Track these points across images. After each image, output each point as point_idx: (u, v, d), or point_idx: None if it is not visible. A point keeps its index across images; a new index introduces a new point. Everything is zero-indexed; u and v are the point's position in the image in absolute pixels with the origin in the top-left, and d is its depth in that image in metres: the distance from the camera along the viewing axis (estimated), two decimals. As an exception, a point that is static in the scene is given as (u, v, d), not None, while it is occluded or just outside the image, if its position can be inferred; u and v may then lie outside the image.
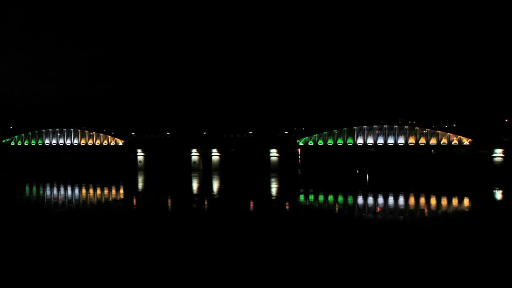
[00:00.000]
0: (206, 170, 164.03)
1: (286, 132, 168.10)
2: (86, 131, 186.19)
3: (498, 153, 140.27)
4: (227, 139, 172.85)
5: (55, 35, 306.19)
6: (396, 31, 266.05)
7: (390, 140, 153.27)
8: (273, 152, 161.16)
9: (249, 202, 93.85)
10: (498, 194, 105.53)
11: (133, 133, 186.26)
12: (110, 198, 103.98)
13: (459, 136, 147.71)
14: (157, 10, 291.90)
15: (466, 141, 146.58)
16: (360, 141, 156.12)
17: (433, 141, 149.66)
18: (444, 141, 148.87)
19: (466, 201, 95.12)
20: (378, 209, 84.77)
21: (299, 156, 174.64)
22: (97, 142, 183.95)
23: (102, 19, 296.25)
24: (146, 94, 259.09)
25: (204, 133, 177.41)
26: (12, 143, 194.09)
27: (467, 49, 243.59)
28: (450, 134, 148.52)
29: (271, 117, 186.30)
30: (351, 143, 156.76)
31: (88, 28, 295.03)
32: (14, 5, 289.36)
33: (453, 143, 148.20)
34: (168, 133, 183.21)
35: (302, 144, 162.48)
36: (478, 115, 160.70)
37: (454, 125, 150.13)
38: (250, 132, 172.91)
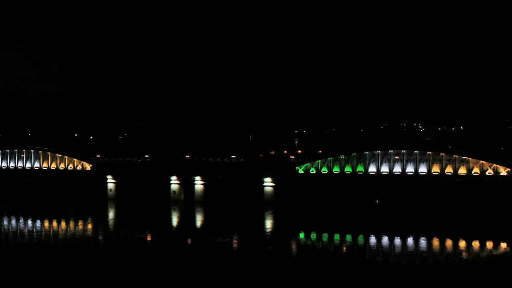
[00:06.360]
0: (187, 203, 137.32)
1: (283, 157, 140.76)
2: (49, 153, 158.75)
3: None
4: (212, 164, 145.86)
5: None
6: (412, 41, 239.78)
7: (410, 169, 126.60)
8: (267, 181, 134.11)
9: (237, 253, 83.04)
10: None
11: (102, 155, 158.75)
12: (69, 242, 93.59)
13: (494, 165, 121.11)
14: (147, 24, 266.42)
15: (503, 171, 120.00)
16: (372, 169, 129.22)
17: (462, 171, 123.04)
18: (476, 170, 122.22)
19: None
20: None
21: (299, 186, 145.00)
22: (61, 166, 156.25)
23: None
24: (119, 112, 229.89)
25: (187, 156, 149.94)
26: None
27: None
28: (484, 162, 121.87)
29: (264, 139, 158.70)
30: (361, 171, 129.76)
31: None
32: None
33: (487, 172, 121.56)
34: (145, 156, 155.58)
35: (303, 172, 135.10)
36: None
37: (488, 151, 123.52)
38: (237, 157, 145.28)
